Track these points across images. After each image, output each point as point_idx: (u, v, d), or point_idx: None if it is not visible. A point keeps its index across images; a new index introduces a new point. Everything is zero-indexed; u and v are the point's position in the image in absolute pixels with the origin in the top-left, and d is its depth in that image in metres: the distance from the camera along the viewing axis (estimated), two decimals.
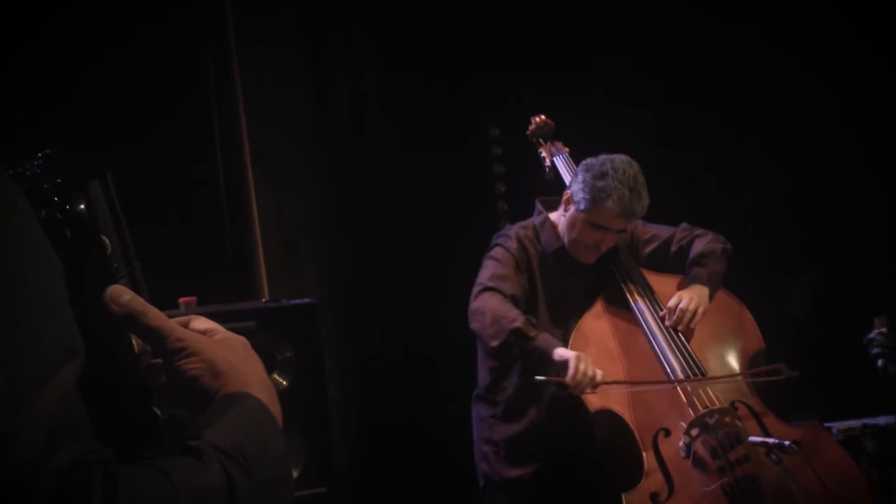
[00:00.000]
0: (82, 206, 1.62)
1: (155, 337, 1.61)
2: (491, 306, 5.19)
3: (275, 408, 1.62)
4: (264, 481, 1.49)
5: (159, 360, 1.65)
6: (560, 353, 5.06)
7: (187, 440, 1.45)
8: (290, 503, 1.57)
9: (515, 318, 5.11)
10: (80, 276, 1.51)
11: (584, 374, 4.97)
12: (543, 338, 5.14)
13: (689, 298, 5.33)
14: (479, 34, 7.34)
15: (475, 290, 5.30)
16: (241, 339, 1.71)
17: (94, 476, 1.26)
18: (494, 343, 5.14)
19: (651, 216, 5.58)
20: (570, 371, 4.96)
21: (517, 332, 5.07)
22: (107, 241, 1.65)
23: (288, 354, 4.77)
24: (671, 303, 5.34)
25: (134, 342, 1.65)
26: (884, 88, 7.24)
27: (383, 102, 7.36)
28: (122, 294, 1.58)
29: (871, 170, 7.17)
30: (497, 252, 5.43)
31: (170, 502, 1.33)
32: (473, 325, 5.27)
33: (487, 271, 5.35)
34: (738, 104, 7.35)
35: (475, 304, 5.25)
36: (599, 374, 5.04)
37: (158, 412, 1.66)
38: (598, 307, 5.44)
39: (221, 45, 6.94)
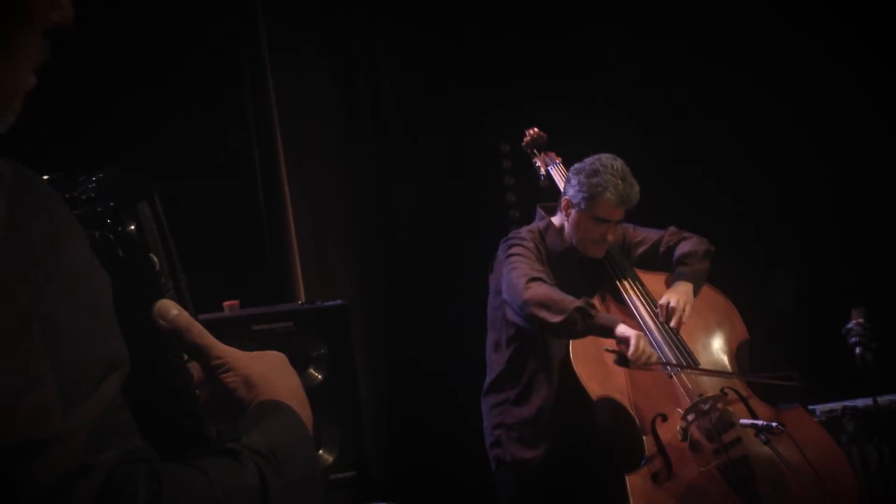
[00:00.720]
0: (132, 227, 1.60)
1: (198, 352, 1.63)
2: (545, 292, 5.12)
3: (305, 414, 1.63)
4: (296, 480, 1.49)
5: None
6: (622, 330, 5.04)
7: (225, 443, 1.46)
8: (321, 501, 1.57)
9: (574, 299, 5.08)
10: (130, 292, 1.50)
11: (644, 351, 4.98)
12: (603, 315, 5.15)
13: (676, 297, 5.33)
14: (493, 61, 7.29)
15: (519, 281, 5.19)
16: (279, 355, 1.72)
17: (139, 473, 1.26)
18: (557, 319, 5.03)
19: (642, 217, 5.62)
20: (632, 347, 4.96)
21: (581, 310, 5.03)
22: (155, 259, 1.63)
23: (322, 351, 4.77)
24: (661, 301, 5.34)
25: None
26: (851, 88, 7.18)
27: (407, 125, 7.35)
28: (169, 310, 1.59)
29: (848, 171, 7.12)
30: (520, 250, 5.37)
31: (208, 498, 1.34)
32: (528, 312, 5.13)
33: (524, 265, 5.28)
34: (721, 110, 7.26)
35: (529, 294, 5.11)
36: (655, 355, 5.06)
37: (203, 417, 1.66)
38: (597, 301, 5.39)
39: (258, 69, 6.93)
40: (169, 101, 6.30)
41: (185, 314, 1.62)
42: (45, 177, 1.52)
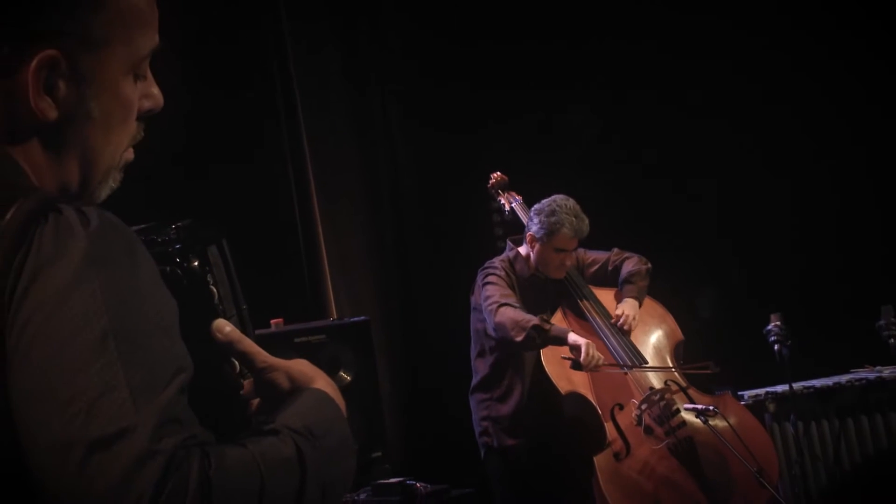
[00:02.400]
0: (196, 264, 1.62)
1: (247, 358, 1.62)
2: (510, 314, 5.15)
3: (337, 397, 1.60)
4: (329, 450, 1.46)
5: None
6: (573, 338, 5.10)
7: (268, 424, 1.45)
8: (353, 466, 1.55)
9: (531, 318, 5.10)
10: (194, 314, 1.50)
11: (592, 356, 5.02)
12: (556, 328, 5.17)
13: (627, 309, 5.39)
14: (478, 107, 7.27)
15: (492, 307, 5.22)
16: (308, 363, 1.68)
17: (193, 454, 1.26)
18: (519, 338, 5.08)
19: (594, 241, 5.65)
20: (583, 354, 5.01)
21: (536, 328, 5.06)
22: (213, 289, 1.65)
23: (350, 357, 4.75)
24: (616, 313, 5.37)
25: (235, 363, 1.65)
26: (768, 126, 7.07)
27: (418, 178, 7.35)
28: (223, 326, 1.59)
29: (765, 200, 7.03)
30: (493, 279, 5.40)
31: (252, 468, 1.33)
32: (500, 333, 5.19)
33: (496, 292, 5.29)
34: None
35: (498, 318, 5.16)
36: (601, 358, 5.08)
37: (250, 415, 1.66)
38: (559, 314, 5.46)
39: (287, 88, 6.87)
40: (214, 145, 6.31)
41: (236, 330, 1.63)
42: (139, 227, 1.58)
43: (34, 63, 1.38)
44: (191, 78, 5.74)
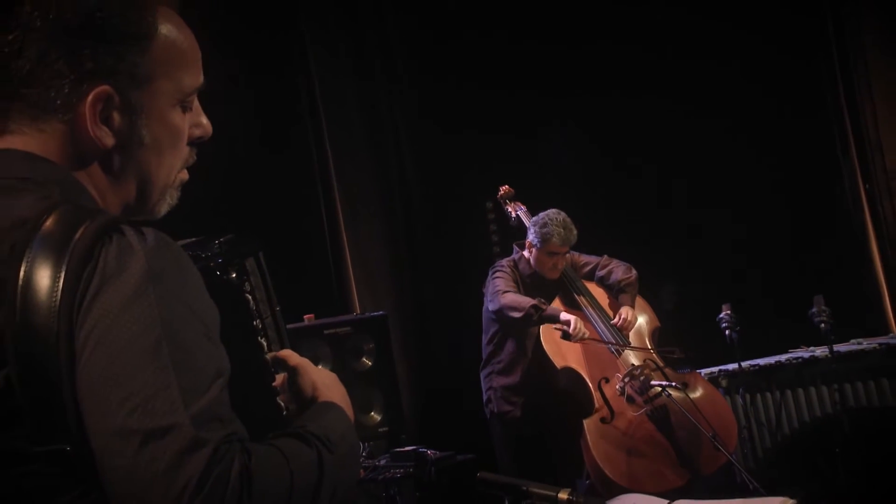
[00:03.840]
0: (234, 275, 1.62)
1: (282, 362, 1.66)
2: (512, 297, 5.25)
3: (349, 411, 1.61)
4: (342, 456, 1.46)
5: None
6: (564, 316, 5.18)
7: (295, 428, 1.46)
8: (358, 470, 1.56)
9: (529, 300, 5.20)
10: (233, 318, 1.48)
11: (579, 329, 5.10)
12: (551, 307, 5.25)
13: (626, 314, 5.36)
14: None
15: (497, 293, 5.30)
16: (333, 375, 1.70)
17: (235, 449, 1.25)
18: (519, 315, 5.18)
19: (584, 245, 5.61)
20: (572, 326, 5.10)
21: (534, 307, 5.15)
22: (249, 296, 1.64)
23: (371, 346, 4.69)
24: (622, 316, 5.35)
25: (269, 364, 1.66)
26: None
27: (425, 196, 7.25)
28: (291, 355, 1.67)
29: (721, 195, 6.89)
30: (500, 274, 5.44)
31: (282, 464, 1.33)
32: (503, 312, 5.26)
33: (501, 283, 5.35)
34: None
35: (502, 300, 5.25)
36: (587, 332, 5.15)
37: (281, 411, 1.65)
38: (557, 301, 5.43)
39: (311, 99, 6.77)
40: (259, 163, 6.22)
41: (287, 351, 1.68)
42: (186, 241, 1.58)
43: (90, 97, 1.39)
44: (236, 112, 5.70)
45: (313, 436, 1.43)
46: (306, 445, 1.40)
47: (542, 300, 5.25)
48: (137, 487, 1.21)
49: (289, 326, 4.31)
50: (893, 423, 5.79)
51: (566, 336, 5.15)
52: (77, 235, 1.29)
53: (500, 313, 5.28)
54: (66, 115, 1.40)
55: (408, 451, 4.50)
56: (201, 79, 1.51)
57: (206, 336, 1.32)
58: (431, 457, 4.40)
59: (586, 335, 5.15)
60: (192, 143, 1.54)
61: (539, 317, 5.20)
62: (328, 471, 1.40)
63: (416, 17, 7.13)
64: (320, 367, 1.78)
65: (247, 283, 1.64)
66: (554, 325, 5.20)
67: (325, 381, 1.63)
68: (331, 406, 1.57)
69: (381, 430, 4.66)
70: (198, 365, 1.28)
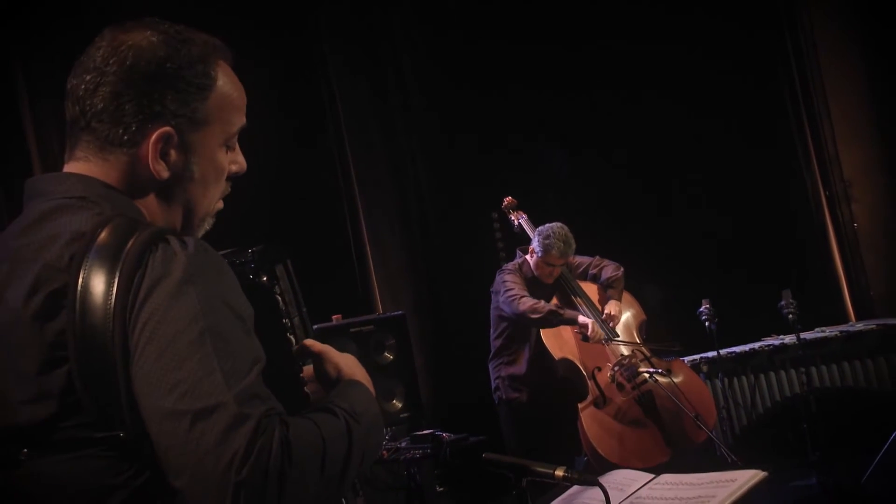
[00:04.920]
0: (265, 279, 1.61)
1: (306, 349, 1.64)
2: (530, 303, 5.15)
3: (371, 388, 1.58)
4: (367, 426, 1.44)
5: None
6: (582, 319, 5.11)
7: (325, 404, 1.45)
8: (382, 438, 1.56)
9: (547, 305, 5.16)
10: (265, 317, 1.48)
11: (597, 332, 5.06)
12: (569, 311, 5.17)
13: (613, 309, 5.29)
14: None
15: (514, 298, 5.19)
16: (354, 357, 1.67)
17: (275, 421, 1.25)
18: (539, 317, 5.11)
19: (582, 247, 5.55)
20: (591, 330, 5.06)
21: (552, 312, 5.11)
22: (279, 298, 1.63)
23: (392, 342, 4.64)
24: (608, 311, 5.27)
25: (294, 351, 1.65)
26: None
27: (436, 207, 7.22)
28: (313, 343, 1.64)
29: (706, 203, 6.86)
30: (510, 277, 5.35)
31: (316, 434, 1.32)
32: (521, 316, 5.15)
33: (515, 288, 5.26)
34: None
35: (521, 306, 5.15)
36: (603, 334, 5.09)
37: (308, 394, 1.63)
38: (555, 300, 5.37)
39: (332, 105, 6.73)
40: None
41: (311, 340, 1.65)
42: (224, 251, 1.55)
43: (154, 136, 1.41)
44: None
45: (341, 409, 1.41)
46: (336, 417, 1.39)
47: (560, 305, 5.20)
48: (191, 462, 1.21)
49: (319, 326, 4.28)
50: (853, 402, 5.78)
51: (585, 338, 5.10)
52: (128, 245, 1.30)
53: (522, 317, 5.17)
54: (130, 149, 1.42)
55: (426, 434, 4.50)
56: (244, 120, 1.53)
57: (244, 329, 1.32)
58: (447, 439, 4.40)
59: (602, 338, 5.09)
60: (230, 177, 1.55)
61: (557, 320, 5.14)
62: (356, 439, 1.38)
63: (433, 42, 7.10)
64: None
65: (276, 287, 1.63)
66: (574, 329, 5.15)
67: (347, 363, 1.61)
68: (354, 383, 1.55)
69: (402, 416, 4.60)
70: (237, 352, 1.28)
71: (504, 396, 5.42)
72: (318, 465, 1.30)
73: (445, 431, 4.45)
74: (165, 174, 1.44)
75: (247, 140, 1.57)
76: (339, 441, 1.36)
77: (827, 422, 5.37)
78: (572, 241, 5.31)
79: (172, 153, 1.44)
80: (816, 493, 5.30)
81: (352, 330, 4.57)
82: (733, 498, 1.89)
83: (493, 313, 5.49)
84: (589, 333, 5.04)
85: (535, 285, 5.41)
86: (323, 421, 1.36)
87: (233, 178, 1.56)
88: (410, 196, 7.19)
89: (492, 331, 5.52)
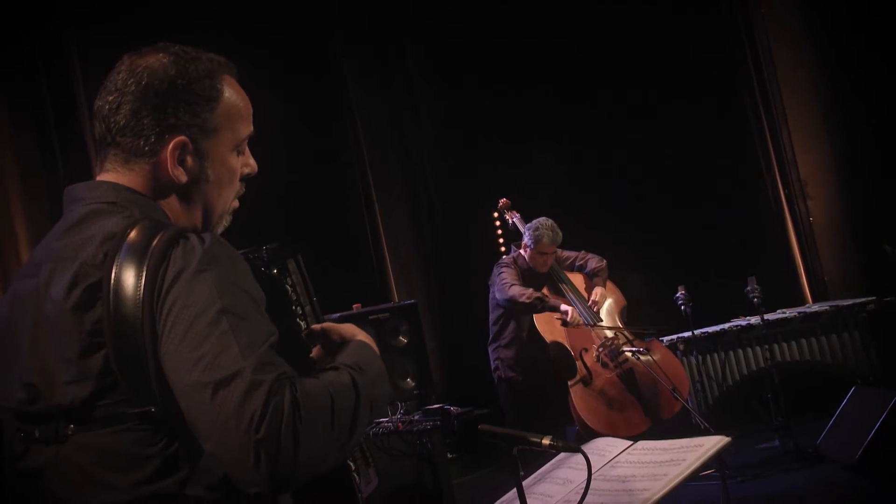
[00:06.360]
0: (275, 271, 1.59)
1: (314, 332, 1.60)
2: (518, 289, 5.13)
3: (373, 344, 1.54)
4: (372, 378, 1.42)
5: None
6: (564, 307, 5.08)
7: (330, 364, 1.43)
8: (388, 389, 1.50)
9: (534, 292, 5.11)
10: (277, 304, 1.45)
11: (575, 318, 5.02)
12: (552, 299, 5.14)
13: (598, 294, 5.27)
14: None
15: (505, 286, 5.16)
16: (354, 325, 1.63)
17: (284, 383, 1.24)
18: (525, 301, 5.07)
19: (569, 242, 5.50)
20: (570, 316, 5.03)
21: (539, 298, 5.08)
22: (289, 289, 1.61)
23: (405, 327, 4.62)
24: (593, 298, 5.25)
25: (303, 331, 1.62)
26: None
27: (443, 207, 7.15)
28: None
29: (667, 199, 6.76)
30: (505, 269, 5.32)
31: (324, 390, 1.30)
32: (511, 301, 5.12)
33: (508, 278, 5.23)
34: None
35: (510, 291, 5.12)
36: (581, 320, 5.04)
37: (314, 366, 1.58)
38: (545, 290, 5.32)
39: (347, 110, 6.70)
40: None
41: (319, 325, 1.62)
42: (243, 250, 1.53)
43: (171, 145, 1.42)
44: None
45: (345, 365, 1.40)
46: (341, 373, 1.38)
47: (545, 293, 5.15)
48: (217, 425, 1.21)
49: (341, 314, 4.21)
50: (810, 374, 5.74)
51: (565, 323, 5.05)
52: (154, 243, 1.30)
53: (511, 302, 5.14)
54: (151, 158, 1.42)
55: (436, 408, 4.44)
56: (251, 128, 1.52)
57: (256, 309, 1.31)
58: (454, 412, 4.34)
59: (581, 322, 5.05)
60: (243, 178, 1.53)
61: (542, 306, 5.11)
62: (362, 390, 1.36)
63: (442, 48, 7.00)
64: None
65: (288, 278, 1.61)
66: (555, 315, 5.11)
67: (349, 330, 1.58)
68: (357, 342, 1.53)
69: (415, 392, 4.59)
70: (251, 328, 1.27)
71: (502, 375, 5.38)
72: (328, 419, 1.28)
73: (453, 405, 4.42)
74: (184, 178, 1.44)
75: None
76: (346, 394, 1.34)
77: (787, 391, 5.34)
78: (559, 230, 5.30)
79: (189, 159, 1.44)
80: (779, 453, 5.29)
81: (370, 317, 4.55)
82: (701, 461, 1.88)
83: (490, 302, 5.47)
84: (569, 319, 5.03)
85: (529, 276, 5.37)
86: (329, 377, 1.35)
87: (246, 179, 1.54)
88: (422, 200, 7.17)
89: (490, 317, 5.49)
